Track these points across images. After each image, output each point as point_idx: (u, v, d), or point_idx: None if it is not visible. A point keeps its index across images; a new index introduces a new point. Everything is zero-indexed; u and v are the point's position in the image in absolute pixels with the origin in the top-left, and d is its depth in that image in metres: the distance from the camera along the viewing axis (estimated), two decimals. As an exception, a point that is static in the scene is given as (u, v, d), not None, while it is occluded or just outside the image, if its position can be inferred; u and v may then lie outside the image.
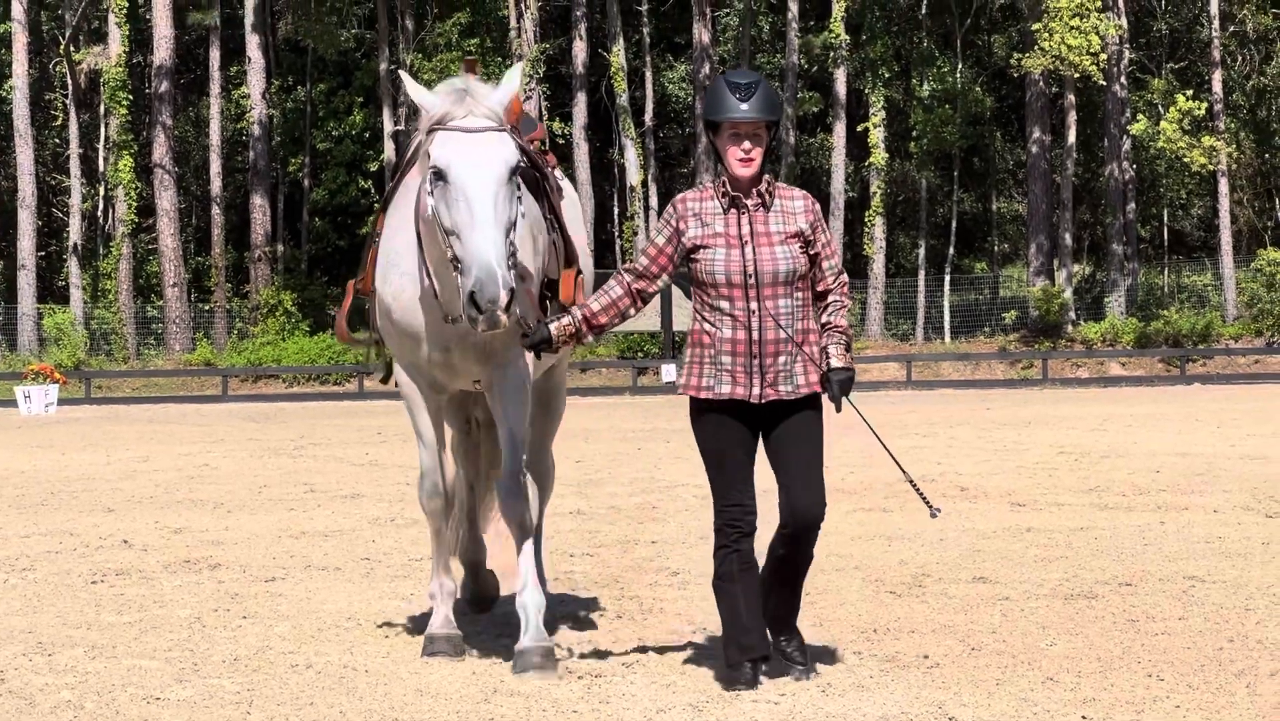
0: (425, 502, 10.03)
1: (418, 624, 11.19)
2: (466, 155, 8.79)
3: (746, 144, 8.55)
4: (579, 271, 9.94)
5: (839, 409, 8.67)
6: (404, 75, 9.76)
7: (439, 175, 8.80)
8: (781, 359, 8.56)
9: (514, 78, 9.33)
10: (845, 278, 8.86)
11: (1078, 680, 8.86)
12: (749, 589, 8.70)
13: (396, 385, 10.13)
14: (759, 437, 8.76)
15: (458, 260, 8.66)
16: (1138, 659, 9.38)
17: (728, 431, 8.67)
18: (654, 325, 64.88)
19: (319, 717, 8.37)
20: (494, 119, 8.98)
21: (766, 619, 8.80)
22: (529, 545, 9.76)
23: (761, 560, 8.97)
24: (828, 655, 9.56)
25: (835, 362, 8.63)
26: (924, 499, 8.94)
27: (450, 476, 10.13)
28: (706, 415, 8.71)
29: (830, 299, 8.76)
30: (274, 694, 8.95)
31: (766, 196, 8.64)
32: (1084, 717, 8.02)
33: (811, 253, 8.68)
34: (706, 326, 8.65)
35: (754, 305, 8.53)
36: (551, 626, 10.01)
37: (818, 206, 8.85)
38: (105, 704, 8.77)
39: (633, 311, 8.99)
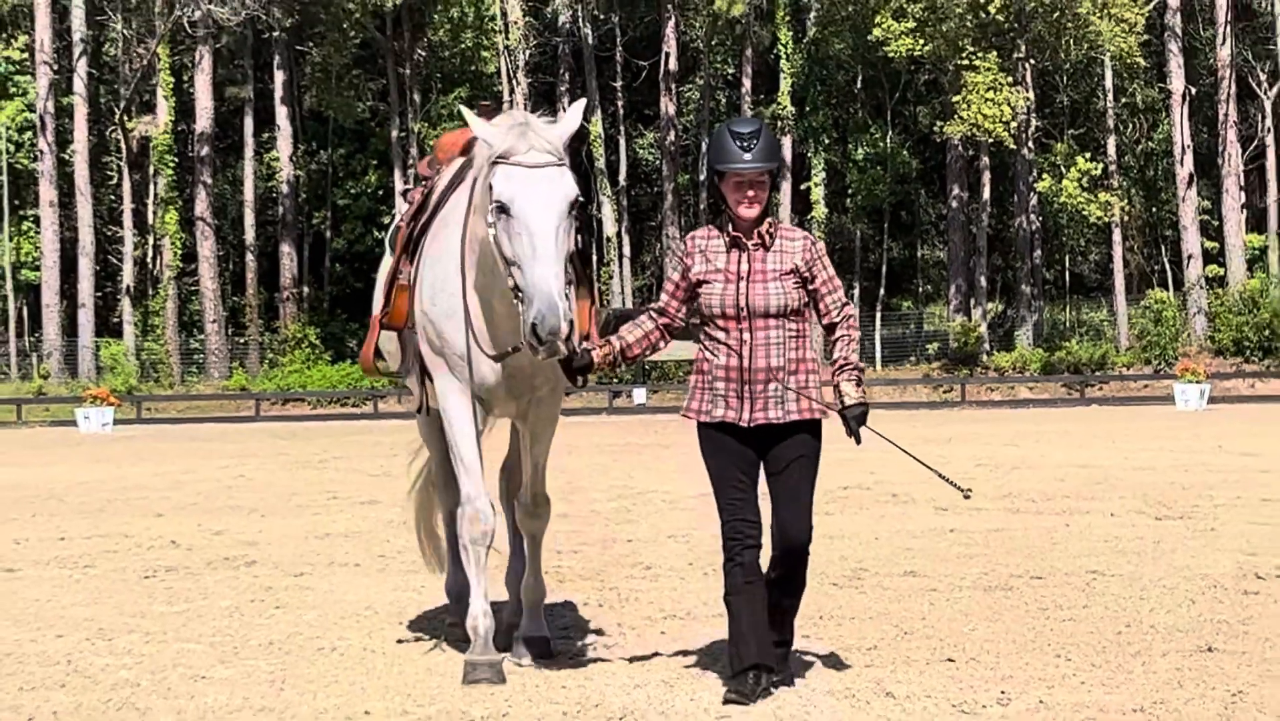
0: (468, 530, 8.84)
1: (428, 613, 11.19)
2: (530, 190, 8.13)
3: (750, 191, 8.02)
4: (592, 302, 9.39)
5: (859, 441, 8.19)
6: (465, 111, 8.91)
7: (502, 209, 8.13)
8: (772, 385, 8.01)
9: (576, 114, 8.61)
10: (851, 310, 8.31)
11: (997, 660, 8.86)
12: (754, 601, 8.04)
13: (425, 413, 9.65)
14: (760, 457, 8.17)
15: (519, 290, 8.01)
16: (1048, 642, 9.39)
17: (727, 452, 8.09)
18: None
19: (342, 694, 8.34)
20: (554, 154, 8.32)
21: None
22: (538, 551, 9.61)
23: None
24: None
25: (849, 400, 8.12)
26: (956, 486, 8.61)
27: (490, 501, 8.99)
28: (709, 438, 8.17)
29: (837, 333, 8.23)
30: (303, 673, 8.93)
31: (767, 237, 8.10)
32: (1003, 692, 8.01)
33: (811, 289, 8.13)
34: (706, 355, 8.15)
35: (745, 335, 8.01)
36: (548, 617, 9.83)
37: (818, 246, 8.27)
38: (158, 682, 8.75)
39: (662, 345, 8.48)
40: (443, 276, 8.84)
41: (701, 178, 75.87)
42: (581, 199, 8.45)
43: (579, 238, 8.66)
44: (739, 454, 8.10)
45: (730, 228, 8.15)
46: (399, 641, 10.02)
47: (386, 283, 9.50)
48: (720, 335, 8.09)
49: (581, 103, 8.83)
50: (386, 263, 9.78)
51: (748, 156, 8.00)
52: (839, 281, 8.28)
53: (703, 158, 76.40)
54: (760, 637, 8.01)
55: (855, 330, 8.27)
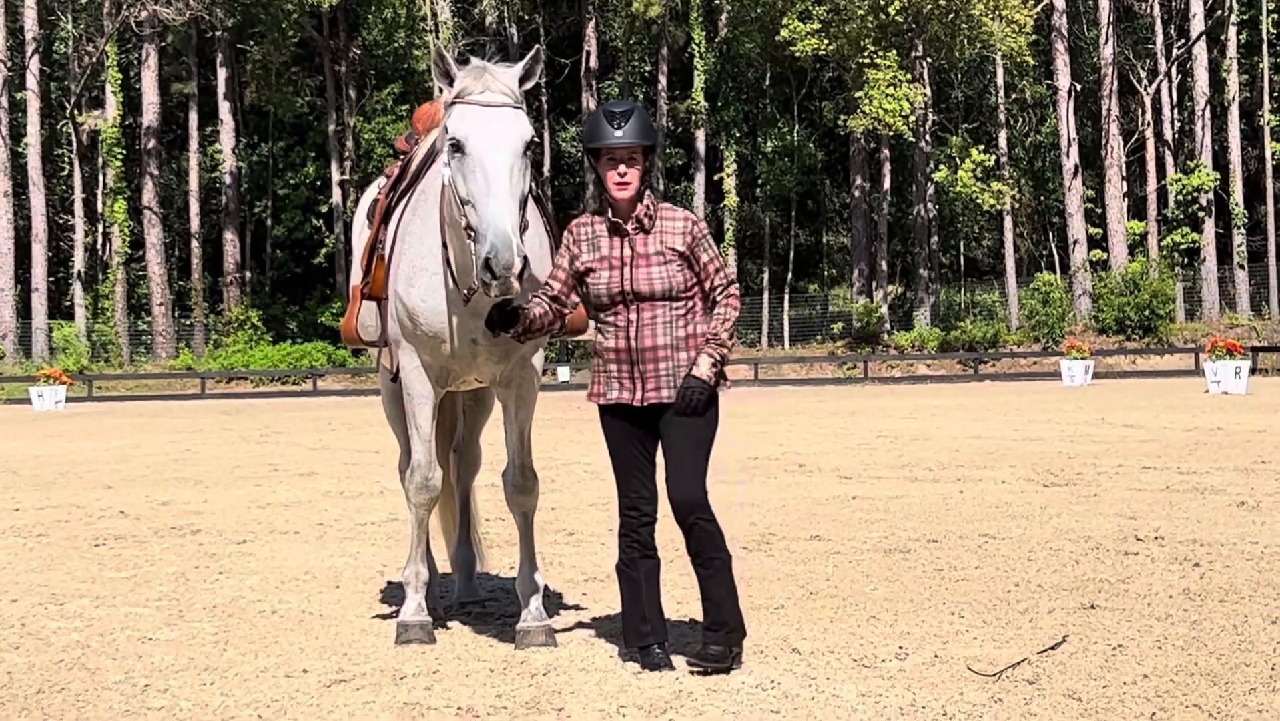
0: (414, 495, 8.70)
1: (363, 577, 11.15)
2: (484, 128, 7.70)
3: (622, 167, 7.62)
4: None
5: (678, 412, 7.61)
6: (433, 51, 8.18)
7: (457, 147, 7.70)
8: (663, 365, 7.63)
9: (533, 58, 8.11)
10: (734, 289, 7.78)
11: (895, 617, 8.89)
12: (649, 575, 7.76)
13: (393, 380, 8.98)
14: (655, 435, 7.81)
15: (472, 229, 7.52)
16: (943, 600, 9.42)
17: (624, 432, 7.76)
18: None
19: (281, 653, 8.29)
20: (510, 96, 7.91)
21: (705, 622, 7.72)
22: (530, 532, 8.85)
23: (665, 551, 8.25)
24: (694, 601, 9.56)
25: (694, 371, 7.57)
26: None
27: (440, 472, 8.73)
28: (607, 418, 7.83)
29: (716, 310, 7.69)
30: (245, 634, 8.87)
31: (646, 220, 7.68)
32: (900, 647, 8.03)
33: (696, 269, 7.70)
34: (599, 338, 7.79)
35: (632, 317, 7.64)
36: (548, 606, 9.11)
37: (699, 227, 7.77)
38: (107, 643, 8.67)
39: (555, 327, 8.05)
40: (422, 256, 8.36)
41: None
42: (537, 140, 8.03)
43: (533, 184, 8.15)
44: (636, 434, 7.80)
45: (610, 213, 7.78)
46: (336, 604, 9.98)
47: (365, 254, 9.01)
48: (609, 319, 7.76)
49: (537, 49, 8.36)
50: (364, 235, 9.32)
51: (618, 133, 7.63)
52: (721, 260, 7.88)
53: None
54: (658, 611, 7.79)
55: (733, 309, 7.78)
